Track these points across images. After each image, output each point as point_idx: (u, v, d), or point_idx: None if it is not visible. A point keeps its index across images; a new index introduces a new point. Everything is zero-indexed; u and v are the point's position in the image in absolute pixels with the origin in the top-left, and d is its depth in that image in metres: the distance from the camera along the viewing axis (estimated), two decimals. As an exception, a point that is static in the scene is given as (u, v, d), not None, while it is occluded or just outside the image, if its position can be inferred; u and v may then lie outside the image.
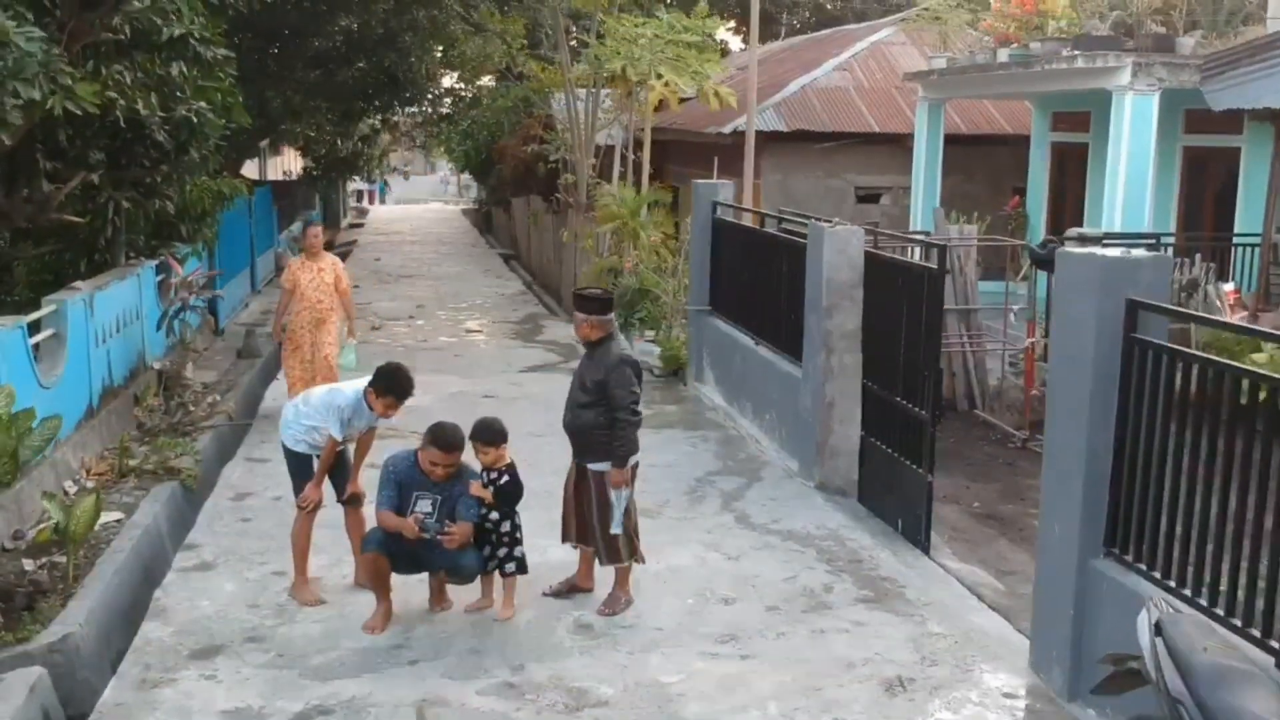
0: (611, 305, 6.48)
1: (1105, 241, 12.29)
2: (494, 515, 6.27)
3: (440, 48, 19.84)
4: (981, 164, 19.58)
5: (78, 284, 10.78)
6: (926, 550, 7.65)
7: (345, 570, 6.94)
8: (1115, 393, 5.15)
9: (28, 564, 7.82)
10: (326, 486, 6.71)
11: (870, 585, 6.92)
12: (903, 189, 19.95)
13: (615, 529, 6.35)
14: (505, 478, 6.26)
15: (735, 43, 31.87)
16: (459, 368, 13.37)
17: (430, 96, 20.50)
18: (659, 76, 16.83)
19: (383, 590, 6.24)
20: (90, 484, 9.71)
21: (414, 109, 21.51)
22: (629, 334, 14.43)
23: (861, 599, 6.72)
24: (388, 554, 6.11)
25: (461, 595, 6.46)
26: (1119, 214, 12.93)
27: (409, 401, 6.56)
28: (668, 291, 13.44)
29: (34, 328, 9.51)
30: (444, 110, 21.49)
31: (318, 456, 6.62)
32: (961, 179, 19.08)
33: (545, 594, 6.61)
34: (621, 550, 6.44)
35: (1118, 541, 5.26)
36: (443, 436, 6.11)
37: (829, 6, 35.53)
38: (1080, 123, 17.17)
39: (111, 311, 11.45)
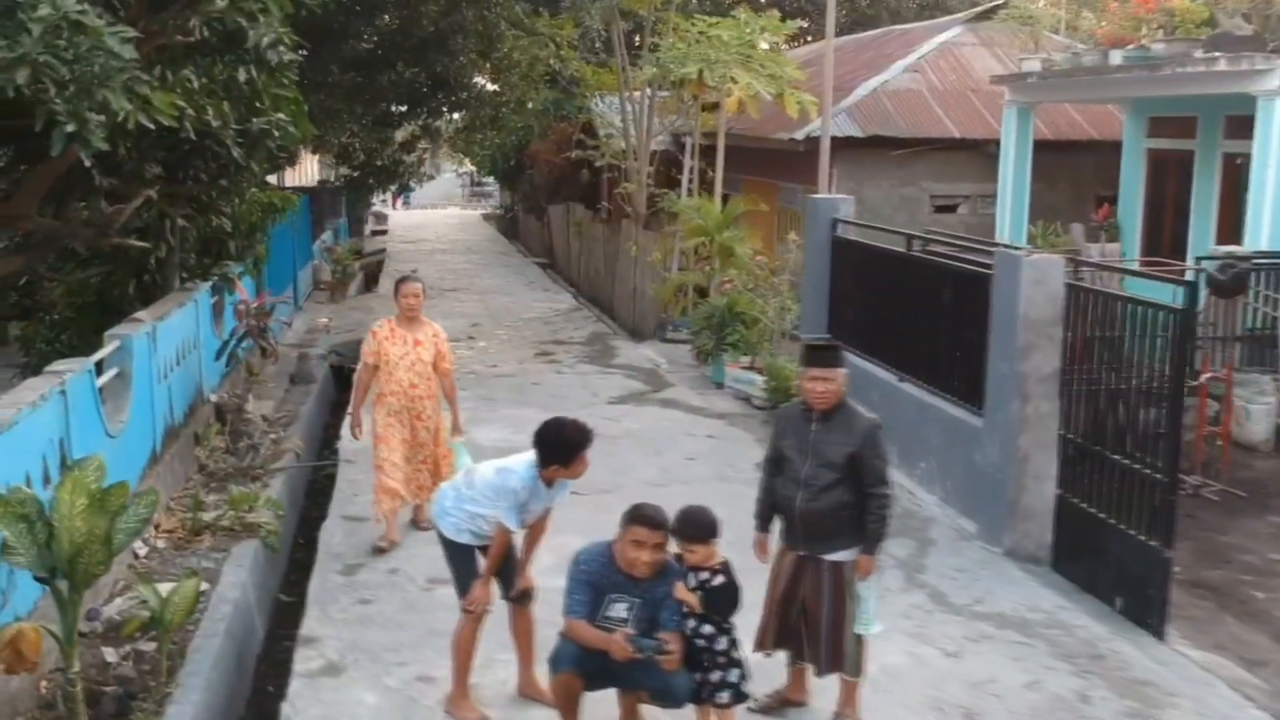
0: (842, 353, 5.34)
1: (1256, 261, 11.23)
2: (706, 628, 5.10)
3: (489, 51, 18.68)
4: (1064, 171, 18.45)
5: (139, 315, 9.65)
6: (1161, 636, 6.54)
7: (502, 674, 5.81)
8: None
9: (109, 654, 6.70)
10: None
11: (1131, 693, 5.80)
12: (980, 197, 18.83)
13: (862, 628, 5.24)
14: (719, 577, 5.10)
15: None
16: (541, 400, 12.21)
17: (476, 101, 19.32)
18: (733, 80, 15.74)
19: (571, 714, 5.11)
20: (160, 543, 8.61)
21: (459, 114, 20.34)
22: (718, 361, 13.33)
23: (1128, 712, 5.60)
24: (582, 672, 4.98)
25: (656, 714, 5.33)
26: (1266, 230, 11.80)
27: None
28: (767, 314, 12.29)
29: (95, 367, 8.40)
30: (488, 115, 20.33)
31: (482, 549, 5.50)
32: (1043, 187, 17.95)
33: (751, 709, 5.47)
34: (859, 659, 5.32)
35: None
36: (646, 513, 4.98)
37: (866, 9, 34.43)
38: (1183, 129, 16.06)
39: (173, 343, 10.34)
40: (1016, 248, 7.87)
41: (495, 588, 5.60)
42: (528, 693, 5.68)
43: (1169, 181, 16.79)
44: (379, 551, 7.82)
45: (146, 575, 6.64)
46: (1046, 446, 7.49)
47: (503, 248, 32.58)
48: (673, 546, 5.09)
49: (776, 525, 5.50)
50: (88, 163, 6.93)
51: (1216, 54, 11.99)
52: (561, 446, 5.28)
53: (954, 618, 6.71)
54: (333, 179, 27.40)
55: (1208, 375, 9.78)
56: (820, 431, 5.24)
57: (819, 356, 5.30)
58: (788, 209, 18.61)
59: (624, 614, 5.02)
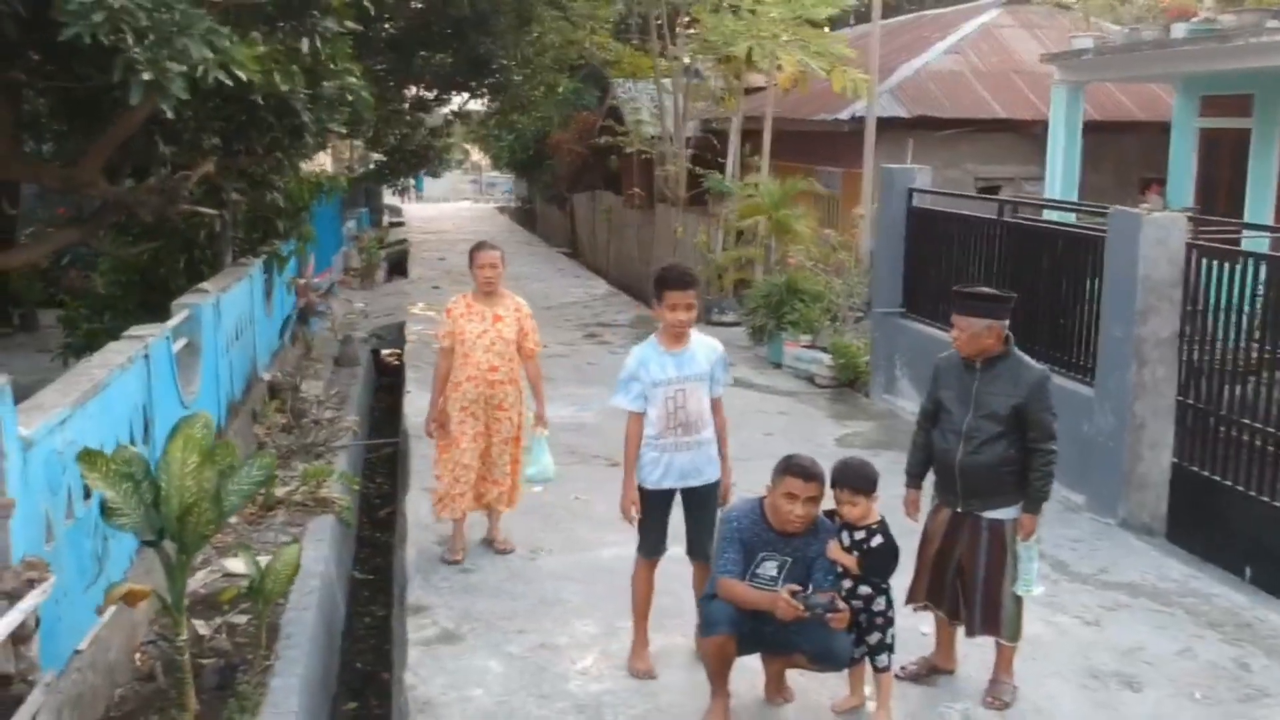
0: (1002, 306, 5.03)
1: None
2: (863, 589, 4.83)
3: (524, 32, 18.35)
4: (1109, 152, 18.16)
5: (204, 285, 9.37)
6: (1299, 606, 6.27)
7: (625, 642, 5.51)
8: None
9: (200, 626, 6.43)
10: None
11: (1292, 661, 5.53)
12: (1024, 179, 18.56)
13: (1023, 589, 4.96)
14: (878, 537, 4.82)
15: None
16: (602, 378, 11.90)
17: (515, 84, 18.99)
18: (780, 59, 15.44)
19: (723, 680, 4.83)
20: (234, 519, 8.33)
21: (492, 98, 20.01)
22: (775, 340, 13.04)
23: (1297, 680, 5.33)
24: (738, 634, 4.70)
25: (801, 683, 5.06)
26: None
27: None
28: (836, 291, 11.99)
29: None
30: (525, 97, 20.00)
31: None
32: (1088, 169, 17.67)
33: (899, 677, 5.19)
34: (1018, 622, 5.04)
35: None
36: (800, 463, 4.70)
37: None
38: (1238, 107, 15.76)
39: (233, 317, 10.07)
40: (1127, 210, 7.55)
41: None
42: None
43: (1222, 162, 16.48)
44: (450, 563, 6.80)
45: (245, 546, 6.34)
46: (1163, 414, 7.22)
47: (524, 238, 32.27)
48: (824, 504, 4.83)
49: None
50: (169, 113, 6.62)
51: (1294, 23, 11.71)
52: (661, 279, 5.27)
53: (1083, 587, 6.43)
54: (352, 168, 27.09)
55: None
56: (984, 381, 4.95)
57: (970, 304, 4.99)
58: (825, 193, 18.33)
59: (775, 573, 4.75)
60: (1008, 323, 4.98)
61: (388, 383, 14.85)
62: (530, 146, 32.35)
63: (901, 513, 5.20)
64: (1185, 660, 5.51)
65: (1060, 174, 16.92)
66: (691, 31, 16.91)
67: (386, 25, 18.70)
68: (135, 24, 6.26)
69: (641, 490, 5.33)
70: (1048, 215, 10.59)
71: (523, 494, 7.10)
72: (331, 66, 9.09)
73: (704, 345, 5.46)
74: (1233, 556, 6.75)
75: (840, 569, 4.80)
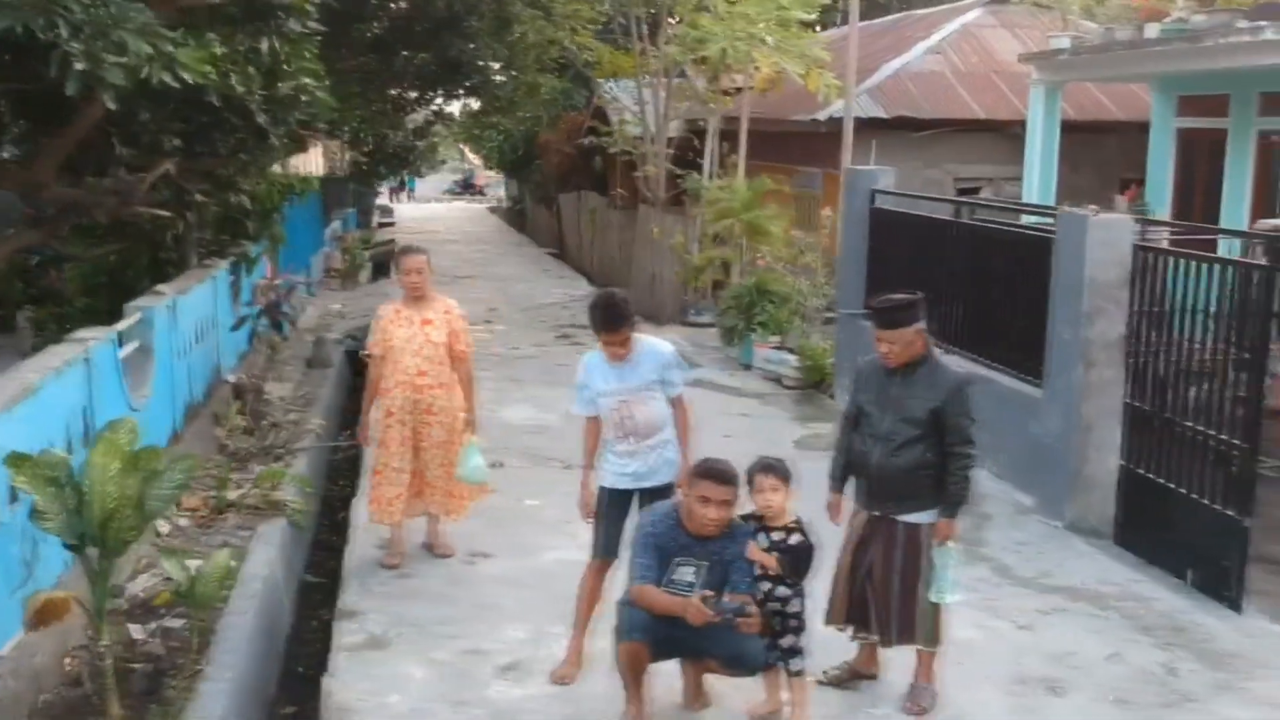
0: (920, 308, 5.01)
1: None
2: (781, 590, 4.80)
3: (499, 32, 18.32)
4: (1089, 153, 18.11)
5: (161, 288, 9.35)
6: (1239, 609, 6.24)
7: (554, 649, 5.50)
8: None
9: (135, 631, 6.40)
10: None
11: (1220, 665, 5.50)
12: (1003, 180, 18.51)
13: (938, 595, 4.93)
14: (796, 535, 4.79)
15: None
16: (569, 379, 11.84)
17: (493, 85, 18.95)
18: (756, 60, 15.40)
19: (637, 686, 4.80)
20: (184, 522, 8.31)
21: (474, 99, 19.97)
22: (746, 341, 13.02)
23: (1219, 685, 5.30)
24: (651, 641, 4.67)
25: (720, 688, 5.03)
26: (1313, 205, 11.46)
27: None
28: (802, 292, 11.97)
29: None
30: (505, 99, 19.95)
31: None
32: (1068, 169, 17.62)
33: (821, 682, 5.17)
34: (935, 628, 5.01)
35: None
36: (713, 467, 4.69)
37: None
38: (1214, 107, 15.71)
39: (192, 320, 10.05)
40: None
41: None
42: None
43: (1199, 162, 16.43)
44: (388, 567, 6.76)
45: (172, 550, 6.31)
46: (1111, 416, 7.19)
47: (513, 238, 32.30)
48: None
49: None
50: (111, 104, 6.62)
51: (1263, 23, 11.65)
52: (592, 313, 5.35)
53: (1023, 590, 6.41)
54: (339, 168, 27.06)
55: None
56: (903, 385, 4.93)
57: (878, 318, 4.99)
58: (805, 193, 18.29)
59: (691, 577, 4.71)
60: (923, 325, 4.97)
61: (361, 383, 14.79)
62: (519, 147, 32.34)
63: (826, 518, 5.17)
64: (1114, 665, 5.48)
65: (1038, 174, 16.88)
66: (673, 32, 16.87)
67: (372, 25, 18.70)
68: (70, 17, 6.27)
69: (599, 491, 5.44)
70: (1024, 218, 10.59)
71: (471, 503, 7.06)
72: (285, 67, 9.02)
73: (650, 354, 5.46)
74: (1176, 560, 6.72)
75: (759, 570, 4.78)
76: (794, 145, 18.69)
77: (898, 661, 5.23)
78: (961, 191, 18.53)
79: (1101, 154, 18.30)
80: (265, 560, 7.38)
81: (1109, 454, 7.22)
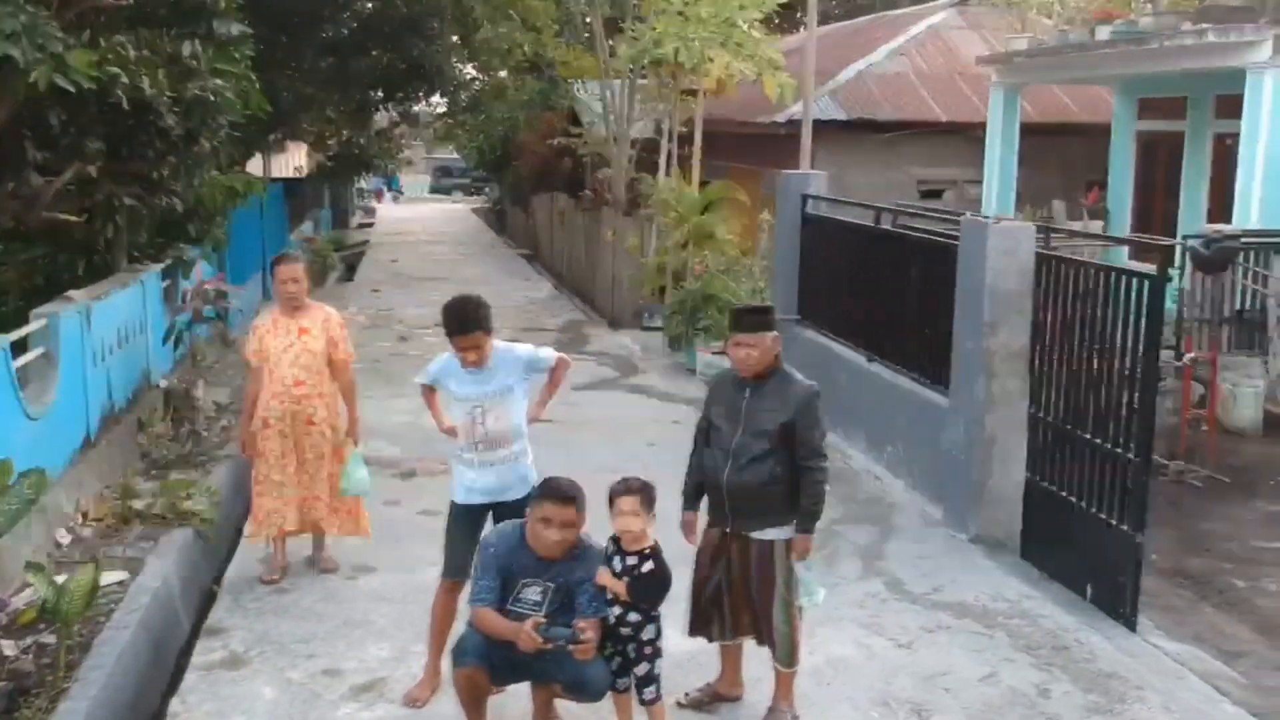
0: (774, 316, 4.89)
1: (1244, 240, 10.77)
2: (633, 616, 4.66)
3: (464, 34, 18.22)
4: (1054, 155, 18.01)
5: (71, 293, 9.21)
6: (1133, 626, 6.11)
7: (414, 668, 5.37)
8: None
9: (8, 647, 6.26)
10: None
11: (1095, 686, 5.36)
12: (967, 182, 18.40)
13: (809, 603, 4.81)
14: (649, 563, 4.65)
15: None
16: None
17: (453, 86, 18.84)
18: (710, 60, 15.25)
19: (476, 713, 4.67)
20: (87, 531, 8.18)
21: (437, 100, 19.87)
22: (690, 346, 12.90)
23: (1091, 707, 5.16)
24: (488, 666, 4.54)
25: (576, 712, 4.90)
26: (1257, 209, 11.35)
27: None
28: (740, 297, 11.85)
29: (19, 346, 7.97)
30: (464, 103, 19.84)
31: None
32: (1032, 171, 17.52)
33: (681, 704, 5.04)
34: (790, 647, 4.87)
35: None
36: (555, 486, 4.55)
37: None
38: (1173, 110, 15.61)
39: (112, 324, 9.89)
40: (987, 218, 7.42)
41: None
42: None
43: (1159, 164, 16.36)
44: (266, 583, 6.63)
45: (39, 566, 6.16)
46: (1015, 427, 7.06)
47: (490, 240, 32.17)
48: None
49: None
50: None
51: (1205, 25, 11.55)
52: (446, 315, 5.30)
53: (910, 607, 6.27)
54: (311, 169, 26.94)
55: (1191, 356, 9.33)
56: (753, 399, 4.80)
57: (740, 320, 4.88)
58: (771, 196, 18.16)
59: (538, 598, 4.59)
60: (777, 335, 4.86)
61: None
62: (498, 147, 32.23)
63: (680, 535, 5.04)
64: (986, 686, 5.35)
65: (997, 176, 16.81)
66: (631, 33, 16.74)
67: (332, 28, 18.59)
68: None
69: (451, 505, 5.36)
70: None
71: (367, 520, 6.93)
72: (193, 66, 8.88)
73: (505, 360, 5.41)
74: (1076, 575, 6.59)
75: (610, 595, 4.64)
76: (757, 147, 18.57)
77: (765, 685, 5.09)
78: (924, 194, 18.44)
79: (1067, 156, 18.19)
80: (158, 572, 7.24)
81: (1014, 466, 7.09)
